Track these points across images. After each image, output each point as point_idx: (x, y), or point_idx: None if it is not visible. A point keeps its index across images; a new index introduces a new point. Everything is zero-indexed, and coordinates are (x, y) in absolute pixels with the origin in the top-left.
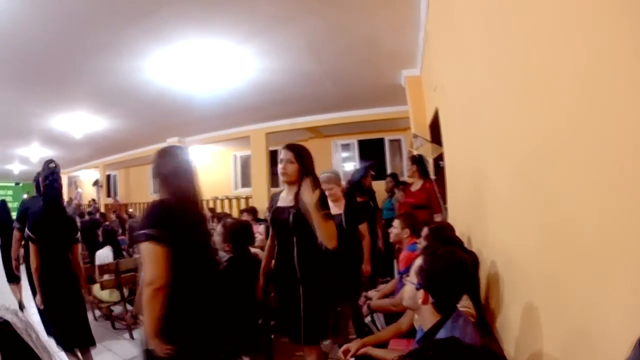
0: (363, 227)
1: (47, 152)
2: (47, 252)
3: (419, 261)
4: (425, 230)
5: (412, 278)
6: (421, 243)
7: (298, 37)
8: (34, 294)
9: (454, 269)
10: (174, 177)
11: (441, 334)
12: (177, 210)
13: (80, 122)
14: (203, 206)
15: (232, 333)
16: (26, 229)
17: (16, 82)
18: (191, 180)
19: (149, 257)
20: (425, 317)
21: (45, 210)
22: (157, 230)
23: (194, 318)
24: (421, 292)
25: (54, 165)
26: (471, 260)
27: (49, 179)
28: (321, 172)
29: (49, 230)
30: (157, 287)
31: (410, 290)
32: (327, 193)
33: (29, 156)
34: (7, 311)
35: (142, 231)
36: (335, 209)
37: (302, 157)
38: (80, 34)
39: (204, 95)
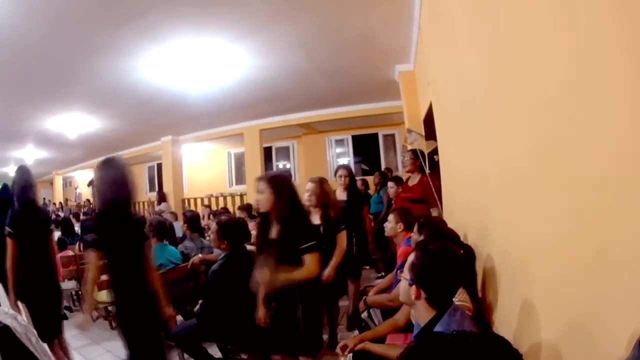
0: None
1: (42, 154)
2: (25, 246)
3: (411, 257)
4: (416, 226)
5: (405, 274)
6: (414, 237)
7: (291, 35)
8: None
9: (446, 264)
10: (110, 190)
11: (438, 329)
12: (111, 221)
13: (74, 122)
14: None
15: (231, 330)
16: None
17: (9, 85)
18: (127, 193)
19: (89, 260)
20: (420, 313)
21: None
22: (95, 238)
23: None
24: (413, 288)
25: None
26: (467, 255)
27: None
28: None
29: (26, 224)
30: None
31: (404, 286)
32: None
33: (25, 158)
34: (7, 316)
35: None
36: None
37: (274, 186)
38: (73, 35)
39: (198, 94)
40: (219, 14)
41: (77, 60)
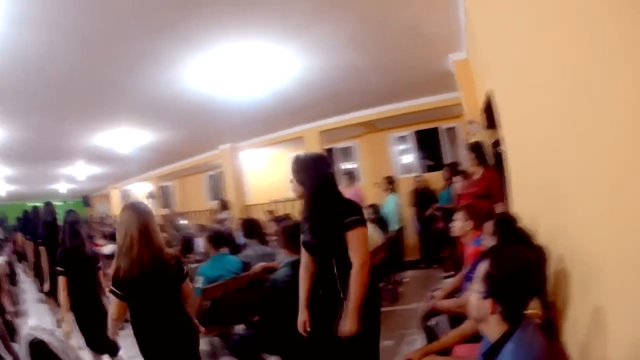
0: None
1: (94, 170)
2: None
3: (484, 266)
4: (489, 225)
5: (477, 286)
6: (485, 239)
7: (337, 31)
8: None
9: (523, 273)
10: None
11: (509, 347)
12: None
13: (125, 137)
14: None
15: (292, 341)
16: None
17: (53, 106)
18: None
19: None
20: (492, 328)
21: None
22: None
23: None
24: (488, 301)
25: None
26: (539, 258)
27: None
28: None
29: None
30: None
31: (476, 300)
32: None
33: (75, 175)
34: (44, 331)
35: None
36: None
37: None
38: (114, 50)
39: (248, 99)
40: (261, 16)
41: (119, 75)
